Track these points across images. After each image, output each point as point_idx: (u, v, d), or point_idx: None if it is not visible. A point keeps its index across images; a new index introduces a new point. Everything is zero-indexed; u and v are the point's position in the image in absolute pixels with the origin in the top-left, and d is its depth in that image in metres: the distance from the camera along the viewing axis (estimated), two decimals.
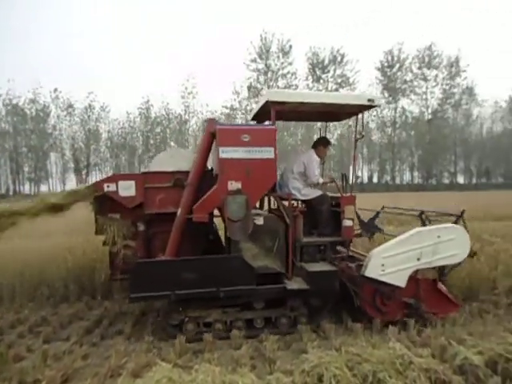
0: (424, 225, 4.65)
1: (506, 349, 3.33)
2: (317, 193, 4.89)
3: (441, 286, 4.60)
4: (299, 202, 5.04)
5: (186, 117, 48.99)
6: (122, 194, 4.32)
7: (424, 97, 47.81)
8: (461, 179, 53.08)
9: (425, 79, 47.27)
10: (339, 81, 45.33)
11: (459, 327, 4.23)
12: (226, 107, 46.11)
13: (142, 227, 4.53)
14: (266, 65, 44.49)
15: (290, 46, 44.18)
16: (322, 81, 45.73)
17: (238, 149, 4.18)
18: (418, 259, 4.25)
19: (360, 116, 4.90)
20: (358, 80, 45.93)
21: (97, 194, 4.34)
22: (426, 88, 47.47)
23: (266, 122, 5.24)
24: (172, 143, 49.71)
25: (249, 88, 45.03)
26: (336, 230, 4.71)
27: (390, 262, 4.21)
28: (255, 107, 5.27)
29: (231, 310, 4.27)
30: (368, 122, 48.93)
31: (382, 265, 4.19)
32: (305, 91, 5.68)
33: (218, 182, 4.16)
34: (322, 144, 5.16)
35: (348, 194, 4.74)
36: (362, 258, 4.71)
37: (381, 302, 4.37)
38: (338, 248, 4.84)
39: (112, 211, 4.43)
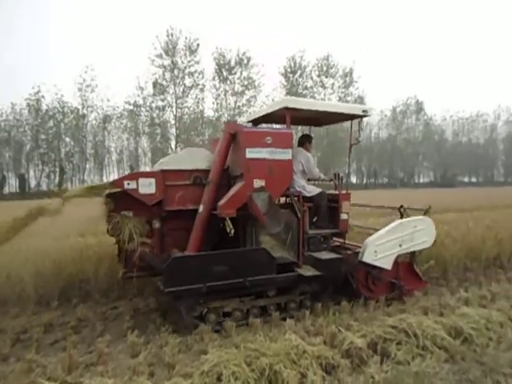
0: (402, 217, 5.42)
1: (385, 330, 3.75)
2: (318, 190, 5.32)
3: (415, 267, 5.46)
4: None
5: (84, 111, 45.27)
6: (142, 192, 4.36)
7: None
8: (354, 179, 58.77)
9: (323, 86, 51.00)
10: (245, 83, 46.38)
11: (347, 314, 4.61)
12: (129, 103, 43.78)
13: (157, 224, 4.63)
14: (172, 62, 43.31)
15: (198, 45, 43.70)
16: (228, 82, 46.23)
17: (261, 150, 4.50)
18: (400, 245, 5.05)
19: (356, 125, 5.55)
20: (264, 83, 47.67)
21: (109, 192, 4.34)
22: (324, 95, 51.20)
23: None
24: (67, 139, 45.52)
25: (154, 84, 43.35)
26: (331, 223, 5.25)
27: (381, 248, 4.92)
28: (257, 111, 5.77)
29: (247, 299, 4.52)
30: (272, 124, 51.00)
31: (375, 251, 4.89)
32: (314, 100, 6.10)
33: (245, 180, 4.43)
34: (307, 141, 5.59)
35: (344, 192, 5.25)
36: (349, 247, 5.39)
37: (372, 283, 5.12)
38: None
39: (125, 209, 4.41)
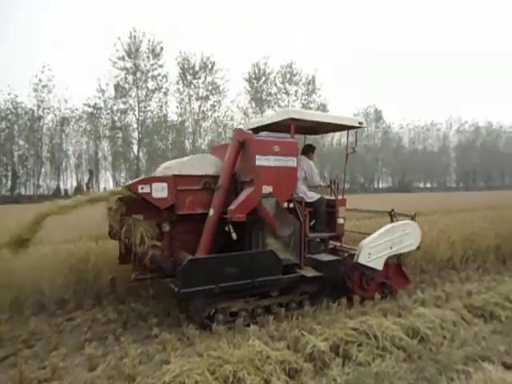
0: (392, 221, 5.75)
1: (346, 333, 3.83)
2: (317, 196, 5.61)
3: (403, 267, 5.85)
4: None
5: (40, 113, 43.17)
6: (155, 196, 4.49)
7: (286, 109, 52.39)
8: None
9: (287, 93, 51.69)
10: (210, 88, 46.15)
11: (310, 318, 4.67)
12: (89, 105, 42.25)
13: (167, 228, 4.78)
14: (134, 64, 42.35)
15: (161, 48, 43.06)
16: (193, 86, 45.84)
17: (270, 157, 4.74)
18: (391, 248, 5.39)
19: (352, 136, 5.94)
20: (228, 88, 47.69)
21: (120, 196, 4.39)
22: (288, 102, 51.97)
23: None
24: (21, 142, 43.14)
25: (116, 87, 42.18)
26: (328, 227, 5.57)
27: (374, 250, 5.24)
28: (258, 120, 6.04)
29: (252, 300, 4.69)
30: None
31: (369, 253, 5.20)
32: (317, 112, 6.23)
33: (255, 186, 4.64)
34: (310, 150, 5.96)
35: (340, 197, 5.59)
36: (342, 249, 5.74)
37: (366, 283, 5.41)
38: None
39: (135, 213, 4.50)
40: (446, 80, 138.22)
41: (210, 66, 45.71)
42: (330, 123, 5.54)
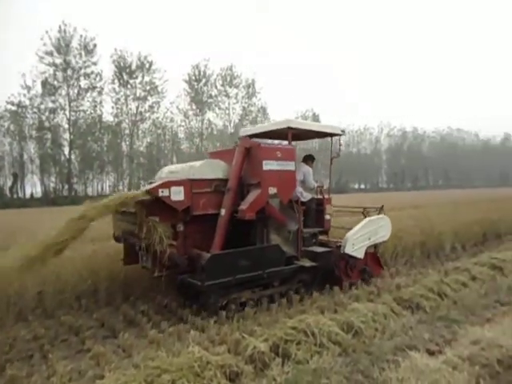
0: (365, 216, 6.57)
1: (286, 332, 3.89)
2: (310, 196, 6.31)
3: (379, 256, 6.81)
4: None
5: None
6: (174, 199, 4.80)
7: (227, 112, 52.27)
8: None
9: (227, 96, 51.78)
10: (148, 88, 44.76)
11: (251, 320, 4.69)
12: (13, 103, 38.88)
13: (181, 228, 5.10)
14: (65, 60, 39.74)
15: (95, 45, 40.91)
16: (129, 86, 44.11)
17: (274, 162, 5.32)
18: (369, 238, 6.23)
19: (335, 140, 6.96)
20: (167, 89, 46.45)
21: (142, 199, 4.62)
22: (229, 104, 52.10)
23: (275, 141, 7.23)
24: None
25: (43, 84, 39.25)
26: (317, 223, 6.28)
27: (357, 241, 6.02)
28: (256, 127, 6.83)
29: (257, 290, 5.23)
30: (177, 132, 50.08)
31: (353, 244, 5.96)
32: (309, 122, 7.02)
33: (262, 188, 5.17)
34: (310, 159, 6.76)
35: (327, 196, 6.37)
36: (325, 242, 6.45)
37: (350, 270, 6.20)
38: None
39: (152, 215, 4.73)
40: (379, 86, 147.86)
41: (147, 66, 44.38)
42: (319, 131, 6.57)
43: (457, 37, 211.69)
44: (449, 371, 3.17)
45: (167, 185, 4.79)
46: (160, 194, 4.70)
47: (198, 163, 5.59)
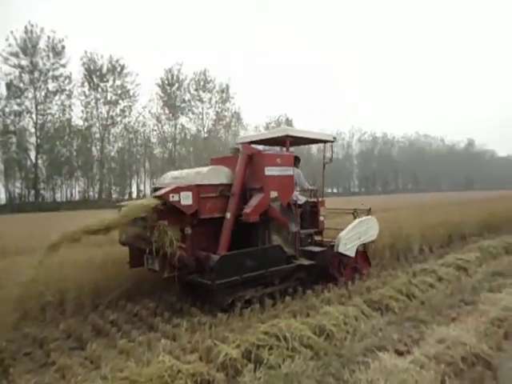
0: (355, 217, 7.03)
1: (258, 337, 3.87)
2: (304, 199, 6.66)
3: (368, 255, 7.29)
4: None
5: None
6: (183, 203, 5.05)
7: (200, 116, 52.04)
8: None
9: (201, 101, 51.57)
10: (119, 92, 43.94)
11: (224, 326, 4.64)
12: None
13: (189, 231, 5.32)
14: (31, 62, 38.45)
15: (63, 47, 39.85)
16: (100, 89, 43.17)
17: (274, 168, 5.73)
18: (359, 238, 6.65)
19: (328, 147, 7.38)
20: (139, 93, 45.74)
21: (159, 204, 4.87)
22: (202, 109, 51.91)
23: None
24: None
25: (8, 86, 37.80)
26: (312, 224, 6.63)
27: (349, 241, 6.42)
28: (254, 134, 7.42)
29: (259, 288, 5.53)
30: (149, 137, 49.33)
31: (345, 243, 6.35)
32: (304, 130, 7.10)
33: (264, 192, 5.54)
34: (297, 161, 6.77)
35: (321, 199, 6.77)
36: (321, 242, 6.80)
37: (343, 268, 6.63)
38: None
39: (161, 219, 4.91)
40: (349, 94, 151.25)
41: (119, 69, 43.63)
42: (313, 138, 7.16)
43: (423, 46, 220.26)
44: (416, 370, 3.26)
45: (177, 190, 5.03)
46: (171, 199, 4.94)
47: (204, 169, 5.85)
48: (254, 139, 7.02)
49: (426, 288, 6.03)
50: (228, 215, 5.44)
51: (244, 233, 5.71)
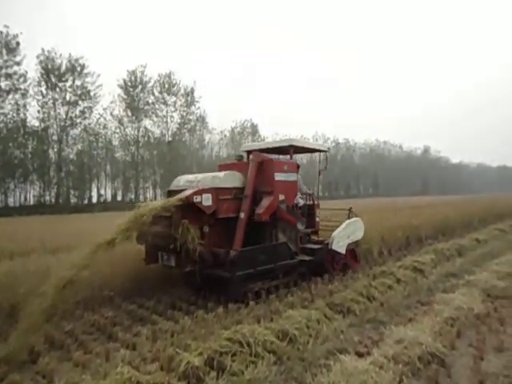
0: (349, 217, 7.99)
1: (221, 344, 3.83)
2: (302, 202, 7.35)
3: (357, 252, 8.13)
4: None
5: None
6: (205, 204, 5.70)
7: (165, 120, 50.96)
8: None
9: (165, 103, 50.51)
10: (79, 92, 42.29)
11: (187, 333, 4.55)
12: None
13: (207, 229, 5.91)
14: None
15: (18, 43, 37.84)
16: (58, 89, 41.34)
17: (282, 174, 6.59)
18: (349, 237, 7.50)
19: (323, 155, 8.48)
20: (100, 94, 44.24)
21: (178, 204, 5.41)
22: (167, 112, 50.86)
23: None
24: None
25: None
26: (309, 224, 7.46)
27: (341, 239, 7.27)
28: (259, 143, 8.57)
29: (267, 281, 6.21)
30: (111, 140, 47.83)
31: (338, 241, 7.19)
32: (306, 140, 10.10)
33: (274, 195, 6.34)
34: (298, 168, 7.43)
35: (317, 202, 7.83)
36: (316, 240, 7.71)
37: (336, 263, 7.52)
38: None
39: (182, 218, 5.41)
40: (312, 101, 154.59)
41: (79, 69, 42.01)
42: (312, 148, 8.40)
43: (385, 57, 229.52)
44: (376, 371, 3.35)
45: (200, 192, 5.70)
46: (194, 200, 5.56)
47: (221, 174, 6.57)
48: (259, 147, 7.79)
49: (385, 290, 6.23)
50: (242, 215, 6.10)
51: (251, 231, 6.32)
